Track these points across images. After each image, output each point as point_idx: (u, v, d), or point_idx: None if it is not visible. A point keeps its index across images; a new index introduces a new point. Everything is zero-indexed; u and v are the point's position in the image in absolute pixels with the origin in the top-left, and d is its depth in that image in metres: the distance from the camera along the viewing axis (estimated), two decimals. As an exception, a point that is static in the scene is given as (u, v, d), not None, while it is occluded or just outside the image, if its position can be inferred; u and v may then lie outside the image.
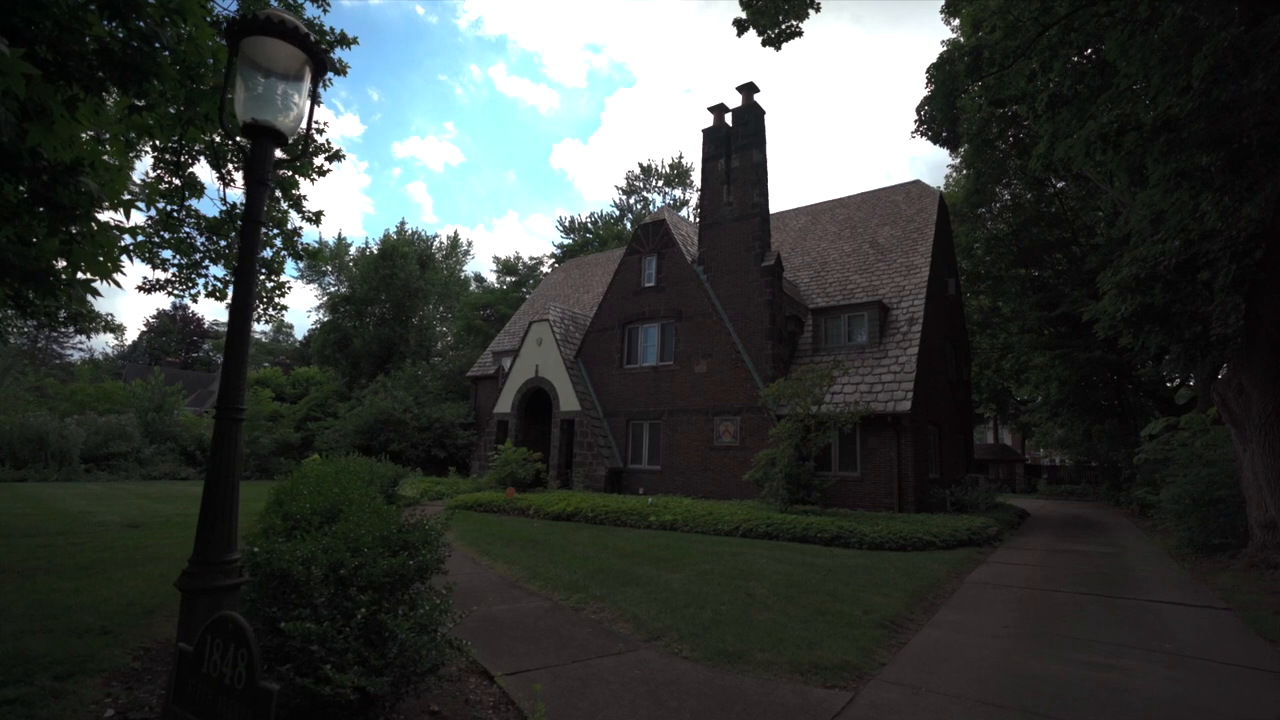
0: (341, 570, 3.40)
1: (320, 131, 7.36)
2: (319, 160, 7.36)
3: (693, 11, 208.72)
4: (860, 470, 15.23)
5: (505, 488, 16.88)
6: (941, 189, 22.81)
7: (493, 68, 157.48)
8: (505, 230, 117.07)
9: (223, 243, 7.41)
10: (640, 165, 53.13)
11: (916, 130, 18.23)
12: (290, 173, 7.38)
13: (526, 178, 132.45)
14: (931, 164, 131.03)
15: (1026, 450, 48.89)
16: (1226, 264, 7.69)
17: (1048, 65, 12.94)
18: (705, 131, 19.72)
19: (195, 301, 7.25)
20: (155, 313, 79.41)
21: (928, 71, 15.66)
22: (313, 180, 7.61)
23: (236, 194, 7.35)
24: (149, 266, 6.86)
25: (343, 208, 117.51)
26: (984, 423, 44.57)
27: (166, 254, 7.18)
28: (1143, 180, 15.99)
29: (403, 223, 61.23)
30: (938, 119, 17.05)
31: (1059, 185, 26.43)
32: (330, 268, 54.61)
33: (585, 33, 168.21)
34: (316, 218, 7.39)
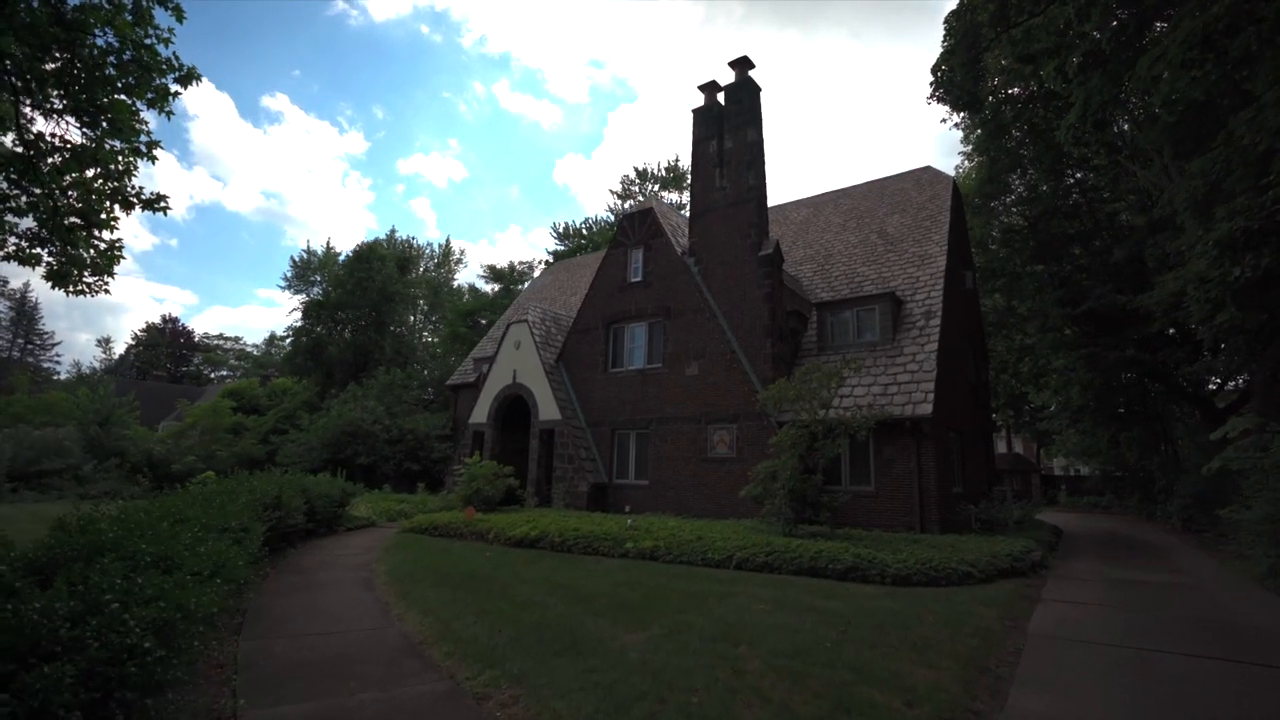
0: None
1: (166, 42, 5.54)
2: (164, 80, 5.54)
3: (694, 27, 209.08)
4: (875, 484, 13.25)
5: (471, 507, 14.90)
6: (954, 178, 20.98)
7: (496, 84, 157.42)
8: (508, 245, 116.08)
9: (37, 189, 5.55)
10: (635, 169, 51.66)
11: (932, 95, 16.42)
12: (125, 96, 5.54)
13: (530, 192, 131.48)
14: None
15: (1041, 460, 46.70)
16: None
17: (1084, 13, 11.16)
18: (695, 111, 17.96)
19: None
20: (144, 325, 77.83)
21: (945, 22, 13.85)
22: (167, 113, 5.76)
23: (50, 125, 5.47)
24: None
25: (347, 225, 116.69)
26: (995, 430, 42.43)
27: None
28: (1188, 154, 14.15)
29: (393, 231, 59.73)
30: (957, 79, 15.19)
31: (1077, 175, 24.68)
32: (319, 277, 53.04)
33: (587, 49, 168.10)
34: (149, 150, 5.50)
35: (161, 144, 5.56)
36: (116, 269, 5.67)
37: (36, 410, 21.53)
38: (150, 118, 6.12)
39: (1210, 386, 23.72)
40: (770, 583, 7.95)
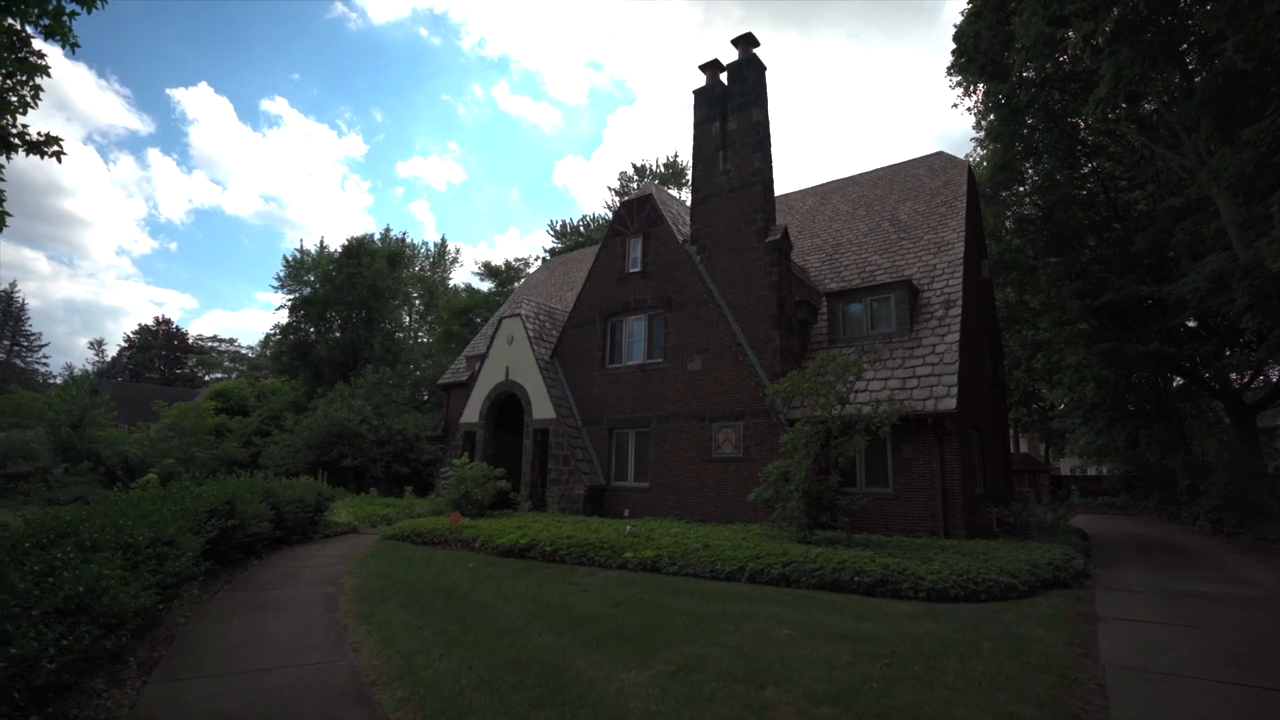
0: None
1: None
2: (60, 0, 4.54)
3: (692, 29, 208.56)
4: (893, 485, 12.28)
5: (462, 511, 13.90)
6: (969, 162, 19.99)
7: (495, 87, 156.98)
8: (507, 247, 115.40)
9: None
10: (634, 165, 50.64)
11: (954, 65, 15.44)
12: (12, 19, 4.53)
13: (529, 195, 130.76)
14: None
15: (1050, 459, 45.72)
16: None
17: (1123, -29, 10.23)
18: (697, 92, 16.99)
19: None
20: (137, 328, 76.77)
21: (972, -20, 12.92)
22: (72, 45, 4.76)
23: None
24: None
25: (346, 227, 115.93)
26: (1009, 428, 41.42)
27: None
28: (1229, 128, 13.20)
29: (388, 229, 58.76)
30: (983, 45, 14.14)
31: (1093, 164, 23.75)
32: (312, 276, 52.09)
33: (586, 51, 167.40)
34: (31, 81, 4.43)
35: (50, 70, 4.54)
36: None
37: (4, 411, 20.55)
38: (54, 51, 5.09)
39: (1233, 384, 22.71)
40: (790, 599, 6.95)
